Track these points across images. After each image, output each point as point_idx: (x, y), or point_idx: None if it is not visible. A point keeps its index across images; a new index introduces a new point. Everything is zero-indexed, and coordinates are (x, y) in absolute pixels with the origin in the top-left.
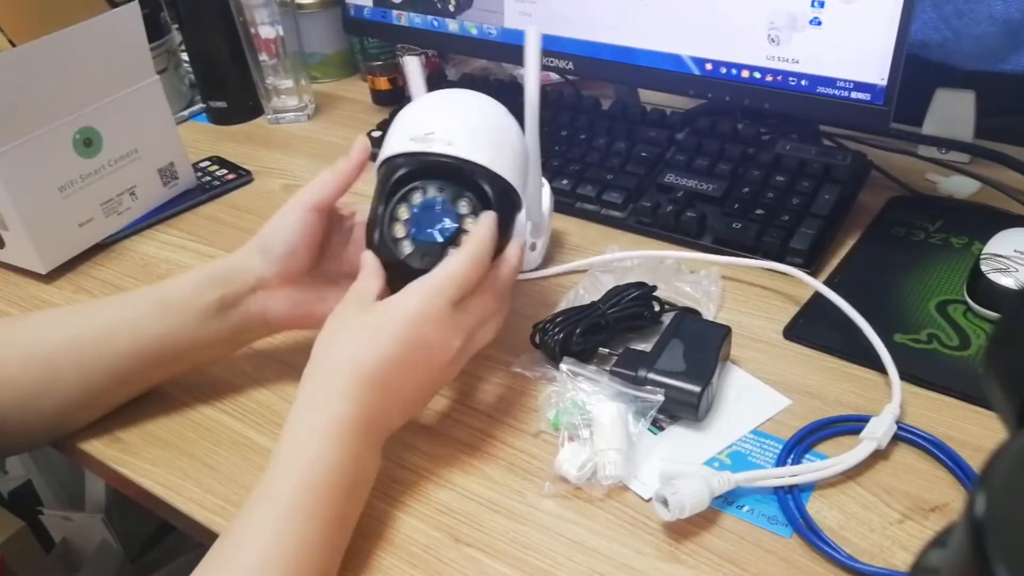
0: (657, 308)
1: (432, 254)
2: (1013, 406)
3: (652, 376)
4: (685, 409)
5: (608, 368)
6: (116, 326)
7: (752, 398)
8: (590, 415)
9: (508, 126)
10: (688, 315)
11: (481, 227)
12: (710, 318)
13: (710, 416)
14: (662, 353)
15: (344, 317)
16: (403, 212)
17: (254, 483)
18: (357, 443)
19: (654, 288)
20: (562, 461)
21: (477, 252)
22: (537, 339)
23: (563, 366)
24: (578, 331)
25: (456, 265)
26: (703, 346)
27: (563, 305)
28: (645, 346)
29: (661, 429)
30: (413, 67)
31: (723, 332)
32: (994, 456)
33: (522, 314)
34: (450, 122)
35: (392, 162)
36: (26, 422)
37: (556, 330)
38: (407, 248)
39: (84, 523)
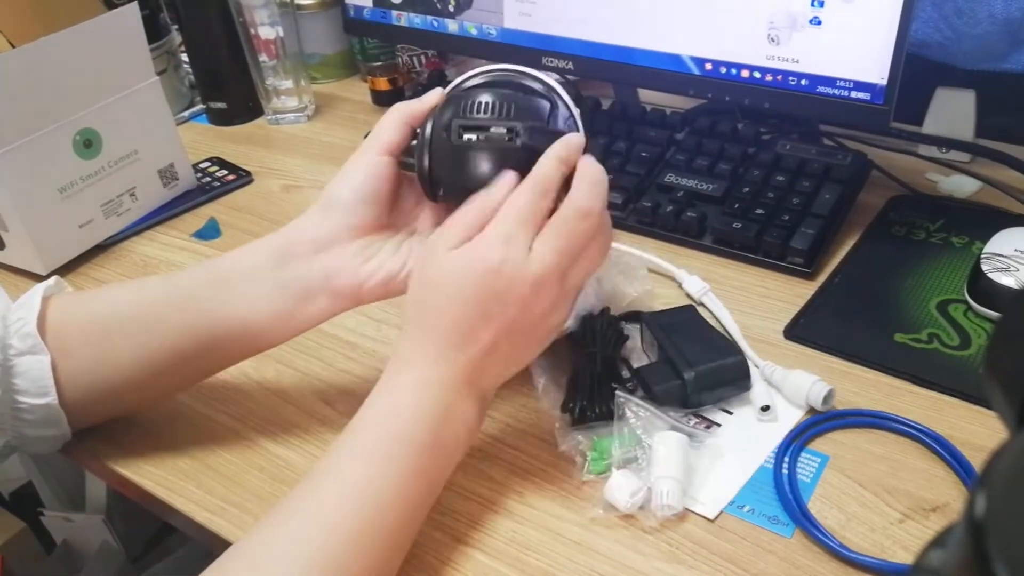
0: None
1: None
2: (1013, 406)
3: (699, 370)
4: (740, 383)
5: (643, 396)
6: (170, 299)
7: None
8: (647, 445)
9: None
10: (650, 315)
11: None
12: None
13: (743, 422)
14: (673, 353)
15: (423, 267)
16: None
17: (255, 484)
18: (447, 399)
19: (607, 309)
20: (612, 488)
21: (543, 176)
22: (569, 419)
23: (619, 399)
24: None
25: (521, 196)
26: (694, 329)
27: None
28: (639, 362)
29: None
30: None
31: (694, 310)
32: (994, 456)
33: None
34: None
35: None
36: (87, 396)
37: (582, 399)
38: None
39: (85, 524)
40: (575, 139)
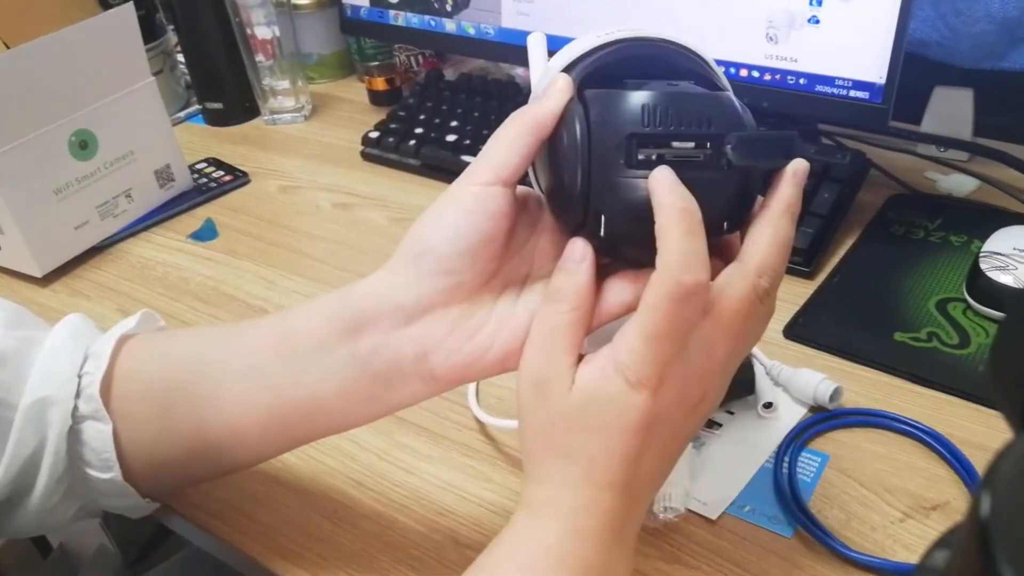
0: None
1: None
2: (1018, 407)
3: None
4: (746, 386)
5: None
6: (233, 362)
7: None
8: None
9: None
10: None
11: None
12: None
13: (744, 422)
14: None
15: (545, 391)
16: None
17: (252, 486)
18: (603, 554)
19: None
20: None
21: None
22: None
23: None
24: None
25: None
26: None
27: None
28: None
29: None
30: (535, 44)
31: None
32: (999, 457)
33: None
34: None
35: (580, 64)
36: (152, 468)
37: None
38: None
39: (81, 528)
40: (802, 162)
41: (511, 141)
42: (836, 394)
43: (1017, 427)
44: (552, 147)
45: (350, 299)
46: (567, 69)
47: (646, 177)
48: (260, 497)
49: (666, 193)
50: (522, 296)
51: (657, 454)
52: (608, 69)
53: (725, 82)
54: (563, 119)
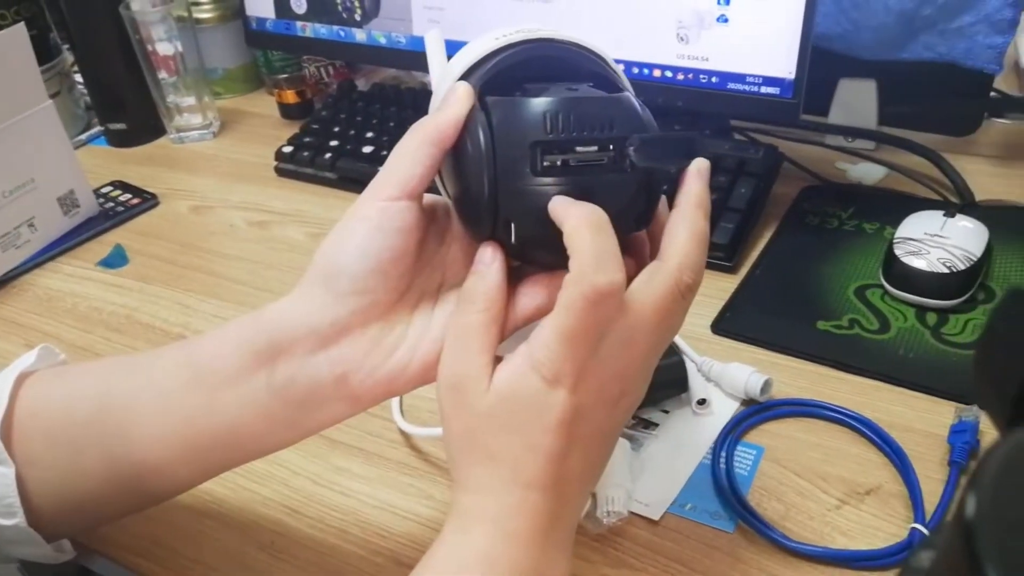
0: None
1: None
2: (1003, 406)
3: None
4: (679, 385)
5: None
6: (141, 396)
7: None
8: None
9: None
10: None
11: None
12: None
13: (679, 420)
14: None
15: (463, 393)
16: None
17: (182, 522)
18: (535, 556)
19: None
20: None
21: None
22: None
23: None
24: None
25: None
26: None
27: None
28: None
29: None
30: (432, 42)
31: None
32: (985, 457)
33: None
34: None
35: (480, 69)
36: (58, 510)
37: None
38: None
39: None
40: (704, 160)
41: (414, 153)
42: (766, 386)
43: (1003, 427)
44: (457, 157)
45: (262, 325)
46: (467, 73)
47: (552, 184)
48: (191, 533)
49: (570, 204)
50: (437, 307)
51: (582, 452)
52: (508, 73)
53: (625, 81)
54: (466, 128)
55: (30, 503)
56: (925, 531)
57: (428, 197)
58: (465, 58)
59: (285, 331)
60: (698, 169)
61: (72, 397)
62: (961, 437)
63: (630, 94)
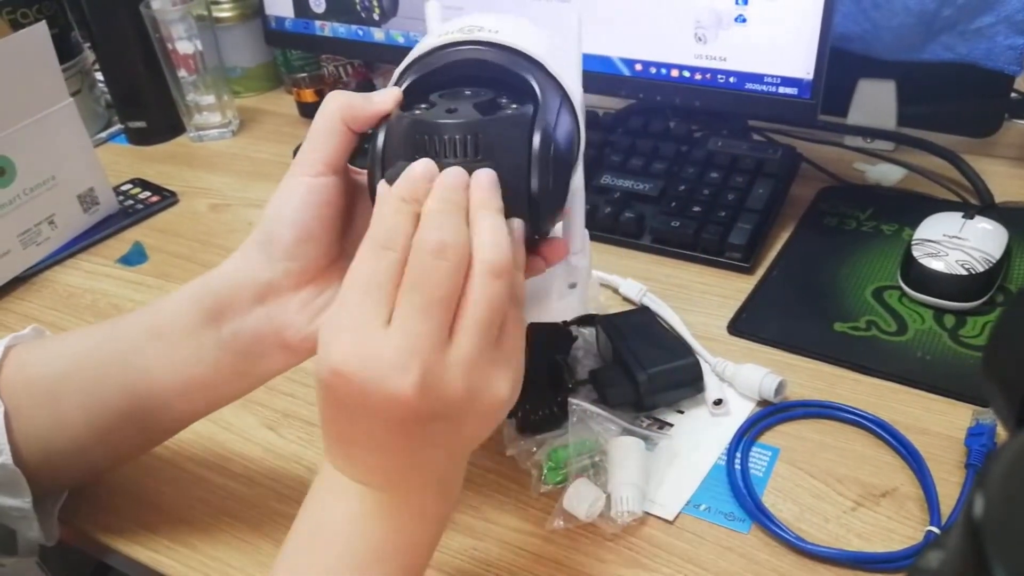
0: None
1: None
2: (1011, 407)
3: (652, 372)
4: (694, 385)
5: (595, 399)
6: (109, 357)
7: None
8: (603, 452)
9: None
10: (604, 318)
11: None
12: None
13: (694, 420)
14: (626, 355)
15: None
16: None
17: (199, 518)
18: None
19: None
20: (571, 499)
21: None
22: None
23: (572, 406)
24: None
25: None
26: (648, 331)
27: None
28: (594, 365)
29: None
30: (432, 11)
31: (648, 312)
32: (993, 457)
33: None
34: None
35: (411, 70)
36: (45, 459)
37: (526, 403)
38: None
39: (17, 568)
40: (420, 167)
41: (331, 132)
42: (781, 387)
43: (1011, 427)
44: (367, 148)
45: (209, 286)
46: (408, 67)
47: None
48: (207, 529)
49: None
50: None
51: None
52: (436, 75)
53: (567, 85)
54: (374, 132)
55: (16, 448)
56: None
57: (355, 169)
58: (414, 52)
59: (229, 289)
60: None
61: (54, 355)
62: (978, 440)
63: (528, 110)
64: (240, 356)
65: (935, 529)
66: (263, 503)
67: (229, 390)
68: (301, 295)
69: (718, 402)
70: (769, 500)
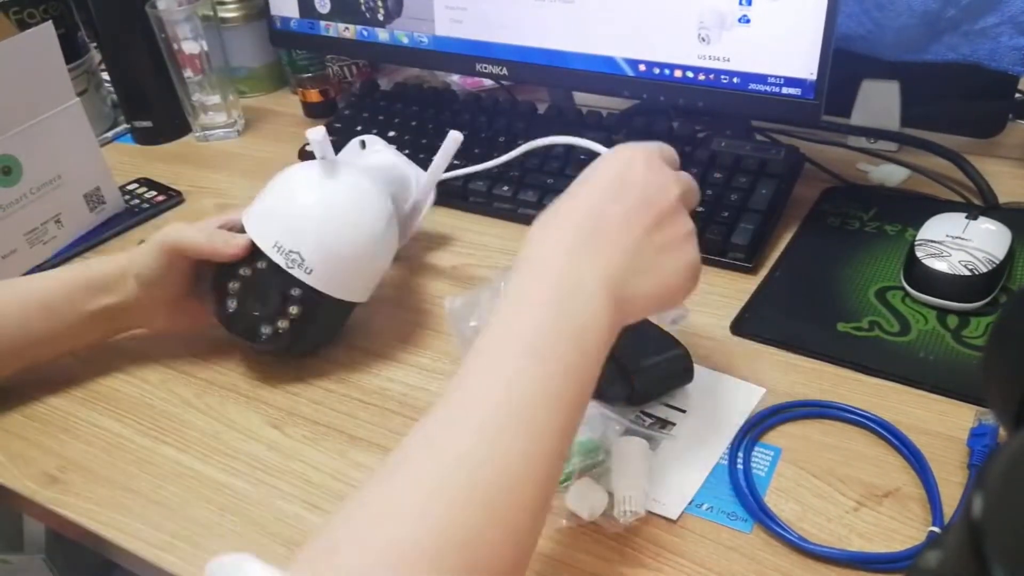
0: None
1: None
2: (1010, 408)
3: (644, 365)
4: (683, 376)
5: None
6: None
7: (726, 392)
8: (606, 451)
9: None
10: None
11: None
12: None
13: (697, 419)
14: (617, 352)
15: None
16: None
17: (204, 516)
18: (585, 298)
19: None
20: (575, 498)
21: None
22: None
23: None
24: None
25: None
26: (635, 326)
27: None
28: None
29: (657, 444)
30: (316, 137)
31: None
32: (992, 458)
33: None
34: (317, 248)
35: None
36: None
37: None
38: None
39: (24, 565)
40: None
41: (191, 246)
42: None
43: (1010, 428)
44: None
45: (99, 278)
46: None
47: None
48: (211, 525)
49: None
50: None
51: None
52: None
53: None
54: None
55: None
56: None
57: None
58: (267, 227)
59: (116, 284)
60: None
61: None
62: (981, 440)
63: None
64: (116, 330)
65: (937, 530)
66: (267, 501)
67: (93, 344)
68: (164, 308)
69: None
70: (771, 500)
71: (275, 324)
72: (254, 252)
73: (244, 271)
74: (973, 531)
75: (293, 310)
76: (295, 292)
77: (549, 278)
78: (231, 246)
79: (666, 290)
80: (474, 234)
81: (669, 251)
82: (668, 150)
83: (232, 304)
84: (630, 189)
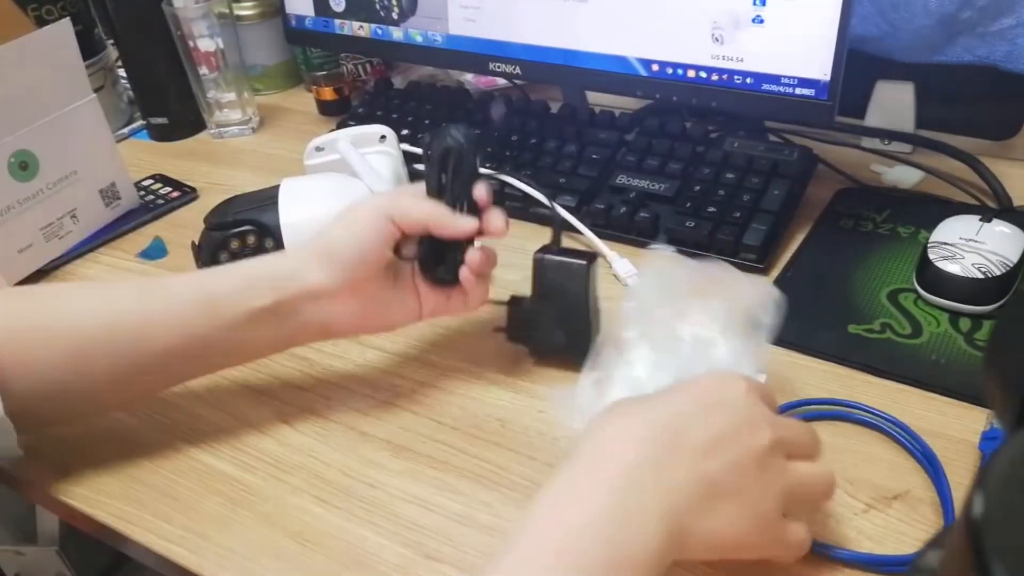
0: None
1: None
2: (1011, 408)
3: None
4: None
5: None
6: (157, 320)
7: None
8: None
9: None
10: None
11: None
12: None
13: None
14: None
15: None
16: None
17: (215, 510)
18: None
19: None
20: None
21: None
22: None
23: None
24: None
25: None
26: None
27: None
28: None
29: None
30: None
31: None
32: (992, 458)
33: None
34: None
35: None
36: (54, 407)
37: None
38: None
39: (38, 557)
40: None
41: (417, 214)
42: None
43: (1010, 428)
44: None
45: (272, 272)
46: None
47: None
48: (221, 519)
49: None
50: (399, 292)
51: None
52: None
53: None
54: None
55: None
56: None
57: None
58: None
59: (291, 278)
60: None
61: (76, 311)
62: (992, 444)
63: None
64: (287, 333)
65: None
66: (277, 495)
67: (261, 354)
68: (347, 300)
69: None
70: None
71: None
72: None
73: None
74: (973, 531)
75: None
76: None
77: (603, 486)
78: (465, 221)
79: (730, 540)
80: None
81: (746, 494)
82: (766, 389)
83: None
84: (721, 412)
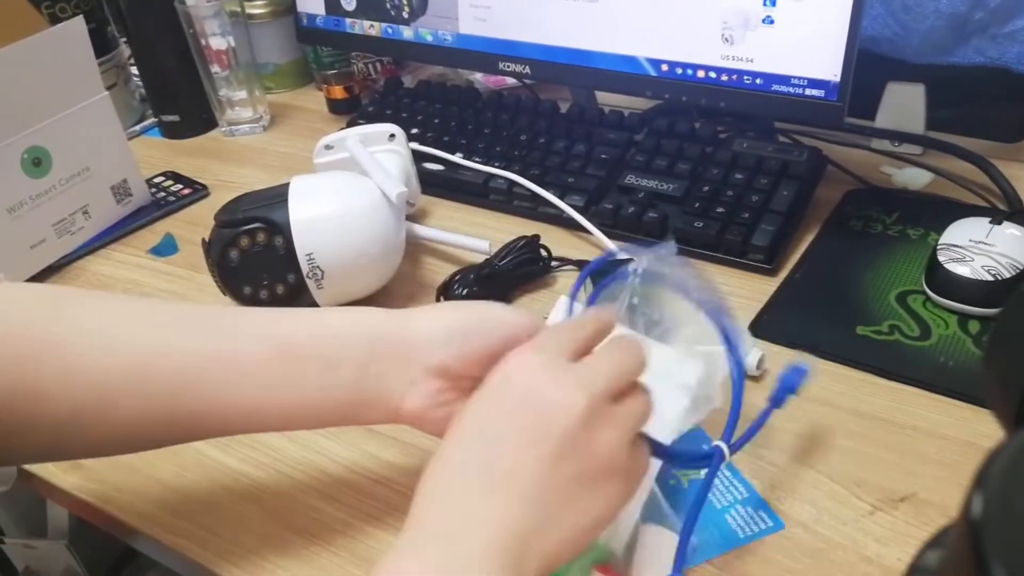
0: (545, 255)
1: None
2: (1010, 406)
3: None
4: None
5: None
6: (215, 364)
7: None
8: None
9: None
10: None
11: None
12: None
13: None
14: None
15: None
16: None
17: (224, 504)
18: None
19: (538, 237)
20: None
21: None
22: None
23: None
24: (472, 279)
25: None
26: None
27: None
28: None
29: None
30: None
31: None
32: (991, 457)
33: None
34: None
35: None
36: (66, 446)
37: (457, 287)
38: None
39: (47, 550)
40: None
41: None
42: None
43: (1009, 427)
44: None
45: (384, 335)
46: None
47: None
48: (231, 516)
49: None
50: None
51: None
52: None
53: None
54: None
55: None
56: None
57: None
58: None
59: (401, 345)
60: None
61: (104, 341)
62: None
63: None
64: (355, 402)
65: None
66: (285, 492)
67: (304, 425)
68: (434, 384)
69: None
70: (786, 502)
71: None
72: None
73: None
74: (973, 530)
75: None
76: None
77: (427, 548)
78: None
79: (584, 534)
80: (492, 231)
81: (584, 484)
82: (583, 326)
83: None
84: (521, 416)
